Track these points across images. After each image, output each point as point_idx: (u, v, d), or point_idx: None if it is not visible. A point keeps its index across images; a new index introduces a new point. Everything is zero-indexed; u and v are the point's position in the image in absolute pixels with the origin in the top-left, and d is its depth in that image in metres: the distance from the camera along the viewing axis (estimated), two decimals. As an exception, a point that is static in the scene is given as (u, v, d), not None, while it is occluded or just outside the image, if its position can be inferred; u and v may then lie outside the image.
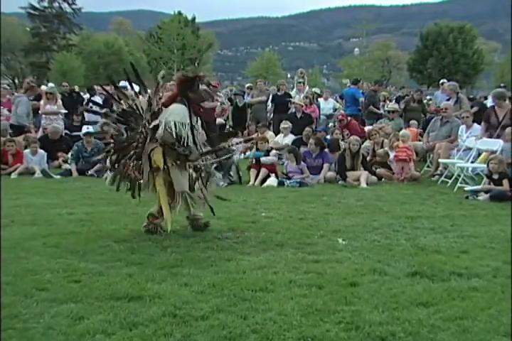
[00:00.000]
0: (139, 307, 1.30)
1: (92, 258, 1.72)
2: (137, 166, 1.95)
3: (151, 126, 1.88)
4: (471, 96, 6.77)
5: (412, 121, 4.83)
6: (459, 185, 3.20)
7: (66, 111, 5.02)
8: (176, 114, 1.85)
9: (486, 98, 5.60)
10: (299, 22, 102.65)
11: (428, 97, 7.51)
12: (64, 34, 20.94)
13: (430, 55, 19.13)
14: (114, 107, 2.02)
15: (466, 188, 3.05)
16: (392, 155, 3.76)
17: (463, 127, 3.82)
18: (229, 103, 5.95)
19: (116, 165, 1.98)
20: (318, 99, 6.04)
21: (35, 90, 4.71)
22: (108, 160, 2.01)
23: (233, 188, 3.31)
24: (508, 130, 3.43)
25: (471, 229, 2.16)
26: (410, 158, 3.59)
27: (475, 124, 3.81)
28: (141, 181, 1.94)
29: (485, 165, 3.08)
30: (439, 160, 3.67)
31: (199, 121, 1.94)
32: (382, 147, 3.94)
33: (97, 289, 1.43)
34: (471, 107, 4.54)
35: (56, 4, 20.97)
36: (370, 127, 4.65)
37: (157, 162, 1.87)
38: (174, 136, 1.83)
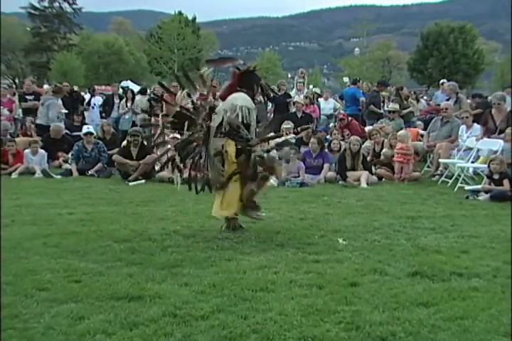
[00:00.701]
0: (140, 307, 1.30)
1: (92, 258, 1.72)
2: (196, 164, 1.96)
3: (216, 124, 1.89)
4: (479, 93, 6.14)
5: (418, 122, 4.83)
6: (459, 185, 3.20)
7: (66, 111, 5.04)
8: (242, 99, 1.90)
9: (486, 98, 5.57)
10: (299, 22, 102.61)
11: (425, 97, 7.44)
12: (64, 34, 20.89)
13: (431, 55, 19.09)
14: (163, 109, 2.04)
15: (466, 188, 3.05)
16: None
17: (463, 127, 3.81)
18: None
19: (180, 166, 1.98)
20: (319, 99, 6.03)
21: (64, 92, 4.81)
22: (172, 166, 1.99)
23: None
24: (508, 130, 3.43)
25: (472, 229, 2.16)
26: (408, 159, 3.58)
27: (475, 124, 3.79)
28: (209, 177, 1.94)
29: (485, 165, 3.09)
30: (440, 160, 3.67)
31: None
32: (382, 147, 3.92)
33: (97, 289, 1.43)
34: (476, 108, 4.49)
35: (56, 4, 20.93)
36: (371, 127, 4.65)
37: (231, 154, 1.89)
38: (240, 119, 1.86)
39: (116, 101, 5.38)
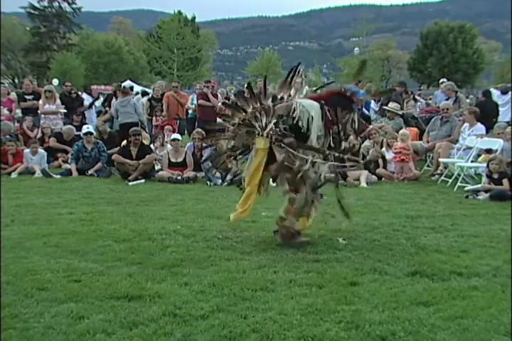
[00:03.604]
0: (139, 307, 1.31)
1: (92, 257, 1.72)
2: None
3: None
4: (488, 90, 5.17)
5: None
6: (459, 184, 3.19)
7: (65, 111, 4.99)
8: (309, 104, 1.78)
9: (490, 96, 5.44)
10: (299, 21, 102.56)
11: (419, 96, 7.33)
12: (64, 33, 20.90)
13: (430, 55, 19.11)
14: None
15: (466, 188, 3.04)
16: (388, 155, 3.73)
17: (466, 125, 3.75)
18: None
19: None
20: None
21: (130, 92, 5.06)
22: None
23: (234, 188, 3.31)
24: (508, 129, 3.42)
25: (471, 228, 2.16)
26: (409, 158, 3.57)
27: (478, 123, 3.71)
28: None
29: (485, 165, 3.08)
30: (439, 159, 3.65)
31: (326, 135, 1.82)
32: (381, 146, 3.92)
33: (97, 289, 1.43)
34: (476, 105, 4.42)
35: (56, 4, 20.91)
36: (371, 126, 4.61)
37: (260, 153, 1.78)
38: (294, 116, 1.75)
39: (114, 101, 5.35)
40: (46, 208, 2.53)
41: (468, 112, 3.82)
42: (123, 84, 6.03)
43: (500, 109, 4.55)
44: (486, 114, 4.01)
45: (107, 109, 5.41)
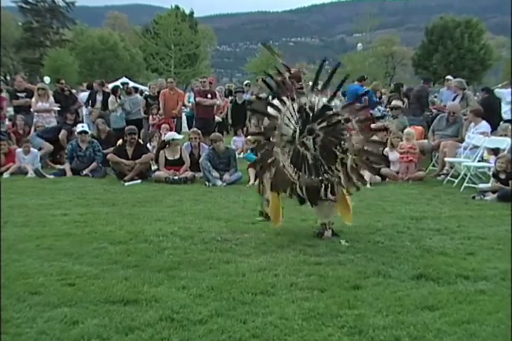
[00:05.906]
0: (135, 311, 1.27)
1: (86, 260, 1.68)
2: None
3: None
4: (487, 87, 5.02)
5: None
6: (465, 184, 3.13)
7: (59, 109, 4.89)
8: None
9: (492, 91, 5.38)
10: (300, 17, 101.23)
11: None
12: (57, 29, 20.48)
13: (436, 51, 18.64)
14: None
15: (478, 186, 2.94)
16: (392, 154, 3.68)
17: (472, 124, 3.68)
18: (226, 100, 5.87)
19: None
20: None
21: (133, 91, 5.26)
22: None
23: (233, 188, 3.27)
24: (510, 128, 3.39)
25: (478, 230, 2.12)
26: (415, 158, 3.50)
27: (483, 122, 3.64)
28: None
29: (491, 164, 3.01)
30: (445, 159, 3.57)
31: None
32: (385, 146, 3.88)
33: (91, 292, 1.40)
34: (480, 103, 4.33)
35: (49, -2, 20.58)
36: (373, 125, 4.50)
37: None
38: None
39: (99, 97, 5.17)
40: (39, 209, 2.49)
41: (470, 111, 3.74)
42: (118, 83, 5.93)
43: (506, 106, 4.47)
44: (491, 111, 3.93)
45: (90, 107, 5.22)
